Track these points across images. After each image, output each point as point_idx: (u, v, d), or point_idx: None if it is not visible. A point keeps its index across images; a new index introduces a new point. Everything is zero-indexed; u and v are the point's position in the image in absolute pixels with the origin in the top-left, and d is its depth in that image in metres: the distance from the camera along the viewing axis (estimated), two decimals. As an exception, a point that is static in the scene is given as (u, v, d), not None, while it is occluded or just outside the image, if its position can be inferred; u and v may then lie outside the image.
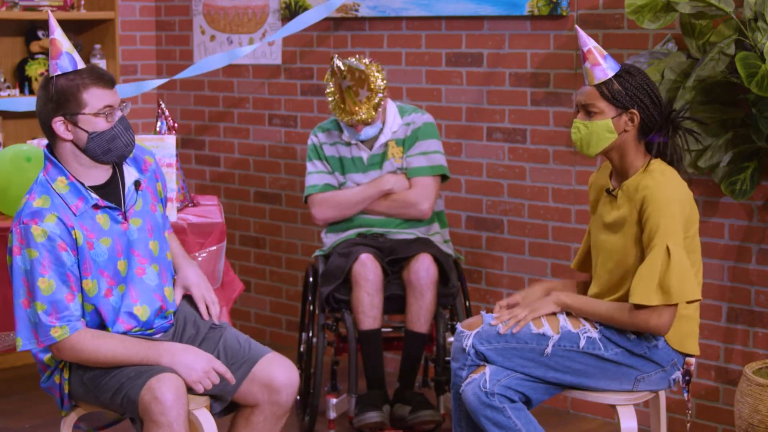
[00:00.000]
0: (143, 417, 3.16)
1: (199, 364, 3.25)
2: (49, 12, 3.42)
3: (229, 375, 3.29)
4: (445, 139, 5.07)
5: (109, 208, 3.32)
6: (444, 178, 4.66)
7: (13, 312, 3.26)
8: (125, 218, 3.35)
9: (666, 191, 3.37)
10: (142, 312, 3.36)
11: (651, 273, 3.34)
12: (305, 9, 5.43)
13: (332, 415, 4.53)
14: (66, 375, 3.36)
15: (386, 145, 4.63)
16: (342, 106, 4.51)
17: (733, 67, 3.98)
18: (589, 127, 3.48)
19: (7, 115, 5.47)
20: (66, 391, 3.37)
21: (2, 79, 5.53)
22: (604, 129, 3.45)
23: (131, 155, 3.42)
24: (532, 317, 3.50)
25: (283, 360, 3.42)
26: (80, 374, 3.33)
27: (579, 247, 4.75)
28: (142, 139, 4.25)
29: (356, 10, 5.33)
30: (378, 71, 4.51)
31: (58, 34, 3.34)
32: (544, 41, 4.78)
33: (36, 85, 5.58)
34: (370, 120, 4.52)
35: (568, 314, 3.56)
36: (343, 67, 4.48)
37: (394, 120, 4.63)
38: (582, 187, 4.73)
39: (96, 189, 3.32)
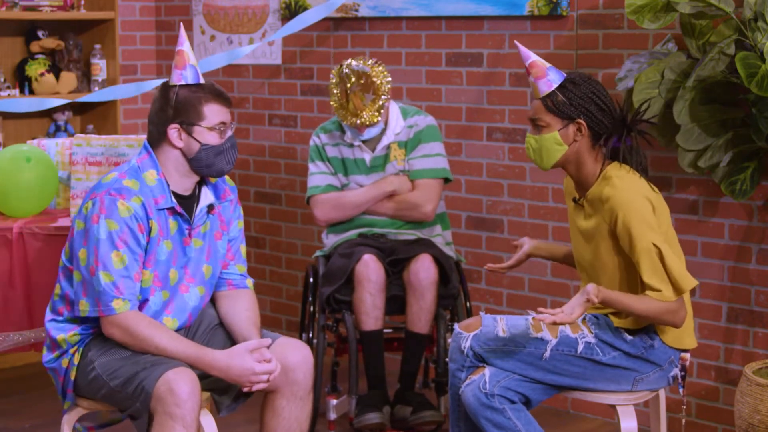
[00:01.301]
0: (156, 408, 3.19)
1: (245, 376, 3.31)
2: (181, 25, 3.57)
3: (273, 366, 3.34)
4: (445, 139, 5.07)
5: (182, 217, 3.43)
6: (446, 180, 4.65)
7: (78, 278, 3.35)
8: (189, 234, 3.45)
9: (628, 194, 3.38)
10: (171, 324, 3.45)
11: (659, 274, 3.34)
12: (305, 9, 5.42)
13: (332, 416, 4.53)
14: (76, 361, 3.40)
15: (388, 147, 4.63)
16: (346, 107, 4.51)
17: (733, 67, 3.97)
18: (538, 141, 3.48)
19: (7, 115, 5.47)
20: (72, 378, 3.40)
21: (2, 79, 5.53)
22: (553, 142, 3.46)
23: (214, 180, 3.54)
24: (568, 321, 3.38)
25: (295, 341, 3.50)
26: (92, 360, 3.36)
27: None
28: (142, 139, 4.26)
29: (356, 10, 5.33)
30: (383, 73, 4.50)
31: (186, 46, 3.51)
32: (544, 41, 4.78)
33: (36, 85, 5.59)
34: (373, 122, 4.51)
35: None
36: (352, 75, 4.48)
37: (396, 122, 4.63)
38: (582, 187, 4.73)
39: (176, 197, 3.43)
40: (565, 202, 3.71)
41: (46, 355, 3.48)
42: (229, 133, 3.44)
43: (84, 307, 3.34)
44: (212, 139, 3.40)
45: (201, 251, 3.49)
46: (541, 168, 3.53)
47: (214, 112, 3.40)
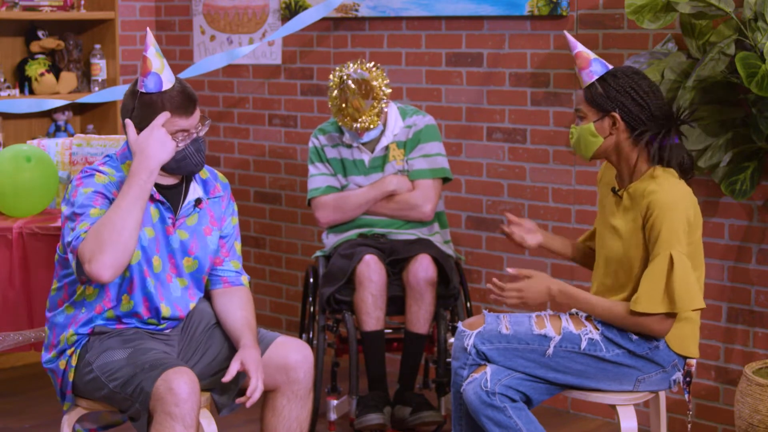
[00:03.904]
0: (155, 408, 3.18)
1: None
2: (148, 29, 3.48)
3: (250, 389, 3.33)
4: (445, 139, 5.07)
5: (162, 204, 3.42)
6: (446, 180, 4.65)
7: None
8: (173, 224, 3.45)
9: (670, 198, 3.36)
10: (165, 311, 3.45)
11: (655, 282, 3.34)
12: (305, 9, 5.42)
13: (333, 416, 4.53)
14: (74, 362, 3.39)
15: (387, 148, 4.63)
16: (345, 113, 4.51)
17: (733, 67, 3.97)
18: (578, 131, 3.50)
19: (7, 115, 5.47)
20: (70, 379, 3.39)
21: (2, 79, 5.53)
22: (588, 133, 3.47)
23: (205, 176, 3.54)
24: (519, 305, 3.49)
25: (295, 340, 3.51)
26: (90, 362, 3.36)
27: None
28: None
29: (356, 10, 5.33)
30: (381, 77, 4.50)
31: (150, 52, 3.39)
32: (544, 41, 4.78)
33: (36, 85, 5.59)
34: (372, 126, 4.52)
35: (571, 314, 3.56)
36: (352, 84, 4.47)
37: (395, 123, 4.62)
38: (582, 187, 4.73)
39: (160, 187, 3.43)
40: (598, 190, 3.68)
41: (45, 355, 3.48)
42: (193, 136, 3.37)
43: (74, 264, 3.29)
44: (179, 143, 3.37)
45: (185, 243, 3.48)
46: (582, 158, 3.54)
47: (171, 123, 3.34)
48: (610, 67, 3.48)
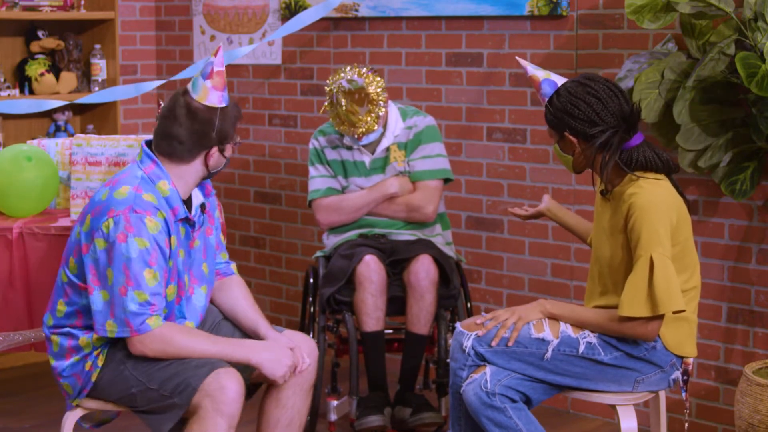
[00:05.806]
0: (202, 402, 3.20)
1: (285, 359, 3.38)
2: (221, 46, 3.48)
3: (301, 365, 3.46)
4: (445, 139, 5.07)
5: (188, 222, 3.43)
6: (447, 180, 4.65)
7: (105, 297, 3.27)
8: (193, 238, 3.47)
9: (650, 199, 3.35)
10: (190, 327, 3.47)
11: (637, 285, 3.33)
12: (305, 9, 5.42)
13: (333, 417, 4.53)
14: (100, 363, 3.37)
15: (388, 149, 4.62)
16: (341, 120, 4.50)
17: (733, 67, 3.98)
18: (555, 148, 3.56)
19: (7, 115, 5.47)
20: (92, 379, 3.38)
21: (2, 79, 5.53)
22: (558, 152, 3.52)
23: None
24: (520, 324, 3.48)
25: (301, 335, 3.57)
26: (123, 361, 3.33)
27: (578, 247, 4.76)
28: (142, 139, 4.26)
29: (356, 10, 5.33)
30: (376, 82, 4.48)
31: (220, 66, 3.43)
32: (544, 41, 4.78)
33: (36, 85, 5.59)
34: (370, 131, 4.51)
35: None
36: (343, 99, 4.47)
37: (396, 124, 4.62)
38: (582, 187, 4.73)
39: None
40: (595, 194, 3.70)
41: (61, 364, 3.40)
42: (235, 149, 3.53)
43: (112, 328, 3.26)
44: (230, 152, 3.46)
45: (200, 251, 3.50)
46: (569, 171, 3.58)
47: (236, 130, 3.47)
48: (559, 84, 3.47)
